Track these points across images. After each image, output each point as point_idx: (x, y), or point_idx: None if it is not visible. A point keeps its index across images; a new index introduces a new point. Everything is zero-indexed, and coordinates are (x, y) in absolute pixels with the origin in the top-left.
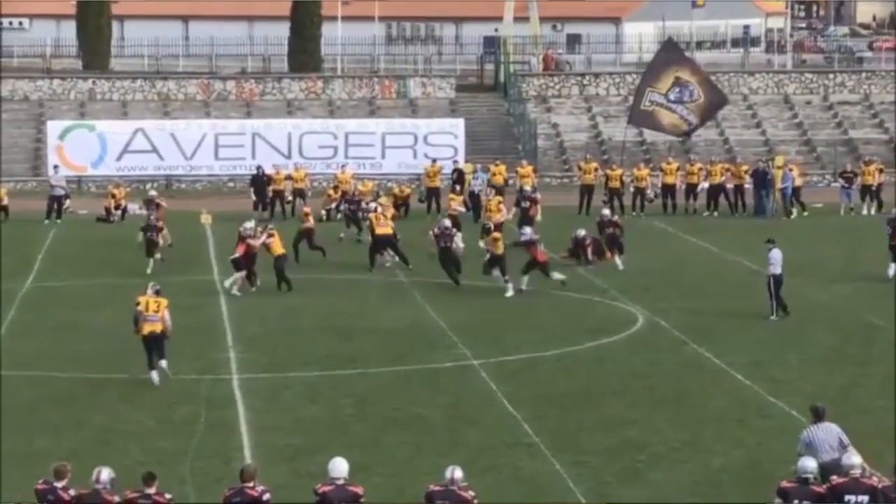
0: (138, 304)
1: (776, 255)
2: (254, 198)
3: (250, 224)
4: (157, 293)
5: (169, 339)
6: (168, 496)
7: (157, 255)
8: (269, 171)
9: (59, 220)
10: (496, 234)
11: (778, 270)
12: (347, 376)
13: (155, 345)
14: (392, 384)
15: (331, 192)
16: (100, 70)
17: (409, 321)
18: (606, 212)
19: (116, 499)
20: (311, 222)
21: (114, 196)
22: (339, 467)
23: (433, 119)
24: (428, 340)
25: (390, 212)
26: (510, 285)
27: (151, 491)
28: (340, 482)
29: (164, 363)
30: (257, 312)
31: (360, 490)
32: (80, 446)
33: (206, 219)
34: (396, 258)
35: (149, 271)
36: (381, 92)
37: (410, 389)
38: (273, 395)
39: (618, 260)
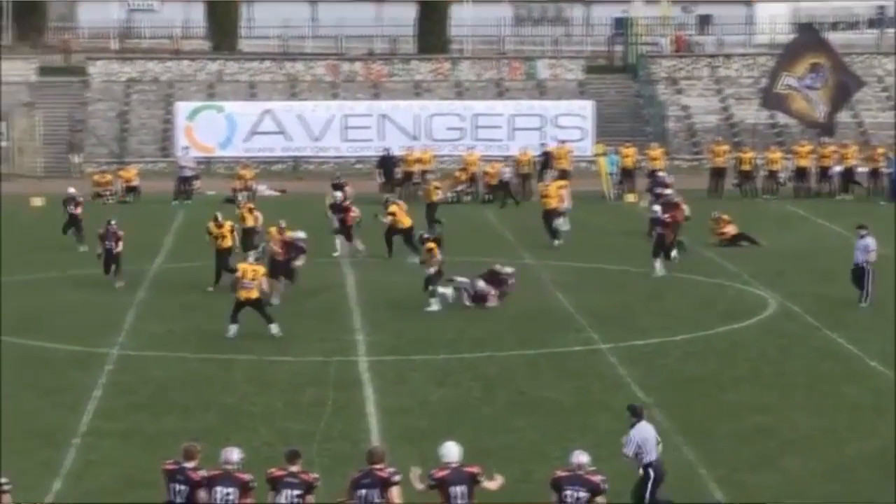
0: (237, 270)
1: (866, 242)
2: (381, 179)
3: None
4: (257, 261)
5: (269, 304)
6: (314, 475)
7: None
8: (396, 152)
9: (187, 202)
10: (430, 246)
11: (871, 258)
12: (475, 359)
13: (257, 310)
14: (519, 368)
15: (458, 174)
16: (228, 51)
17: (537, 304)
18: (657, 208)
19: (248, 477)
20: (439, 194)
21: (241, 177)
22: (451, 452)
23: (562, 101)
24: (556, 324)
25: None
26: (433, 300)
27: (296, 468)
28: (455, 464)
29: (273, 328)
30: (384, 294)
31: (476, 469)
32: (209, 427)
33: (330, 199)
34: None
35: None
36: (510, 73)
37: (538, 373)
38: (400, 377)
39: (657, 264)
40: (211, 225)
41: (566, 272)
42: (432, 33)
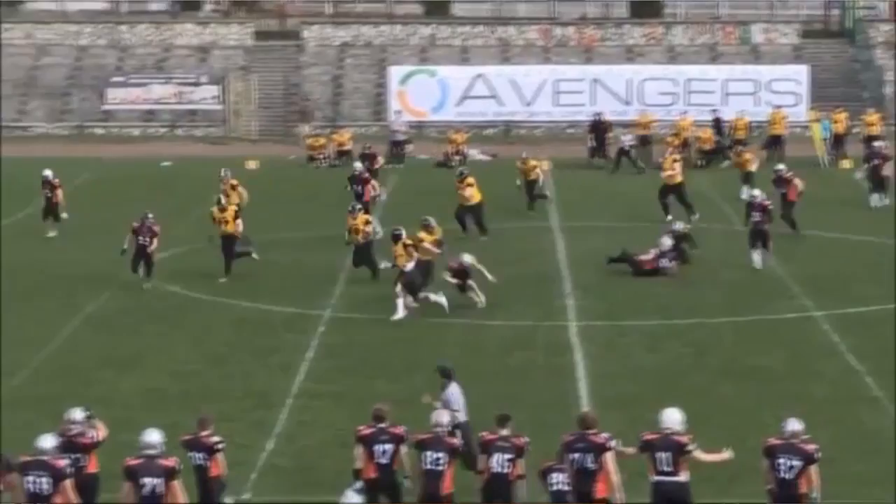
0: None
1: None
2: (592, 144)
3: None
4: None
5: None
6: (525, 439)
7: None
8: (608, 117)
9: (400, 165)
10: (407, 242)
11: None
12: (685, 326)
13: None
14: (731, 334)
15: (670, 139)
16: (441, 15)
17: (748, 271)
18: (756, 192)
19: (458, 442)
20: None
21: (453, 141)
22: (670, 418)
23: (776, 66)
24: (768, 291)
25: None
26: (401, 302)
27: (506, 432)
28: (667, 431)
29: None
30: (594, 260)
31: (684, 440)
32: (418, 390)
33: (546, 165)
34: None
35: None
36: (723, 38)
37: (749, 340)
38: (610, 342)
39: (755, 255)
40: (214, 210)
41: (778, 239)
42: None
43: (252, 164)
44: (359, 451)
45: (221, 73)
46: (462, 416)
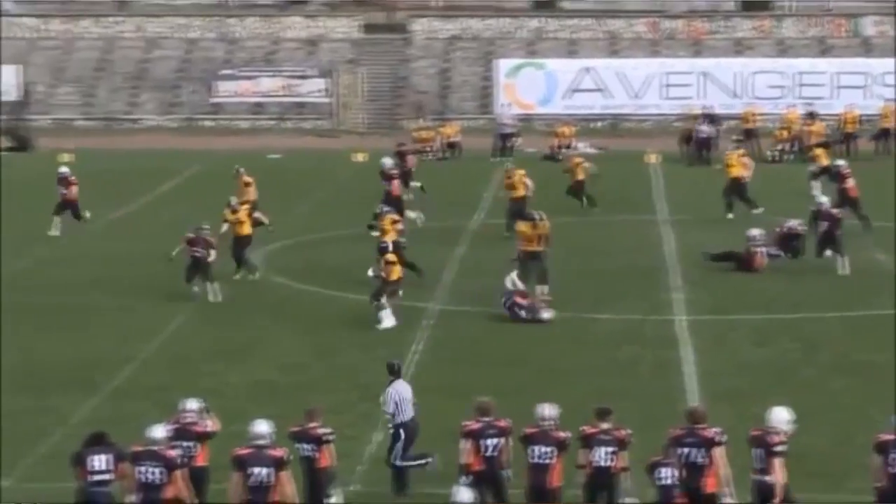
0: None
1: None
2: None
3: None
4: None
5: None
6: (626, 431)
7: None
8: (717, 110)
9: (507, 158)
10: (390, 258)
11: None
12: (793, 320)
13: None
14: (840, 330)
15: (779, 132)
16: (549, 8)
17: (859, 266)
18: (824, 199)
19: (564, 435)
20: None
21: (560, 135)
22: (779, 417)
23: (888, 59)
24: (875, 286)
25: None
26: (385, 313)
27: (607, 425)
28: (770, 428)
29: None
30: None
31: (775, 440)
32: (525, 383)
33: (655, 158)
34: None
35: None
36: (833, 31)
37: (858, 335)
38: (719, 337)
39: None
40: (226, 211)
41: (888, 233)
42: None
43: (360, 157)
44: (466, 445)
45: (329, 66)
46: (407, 415)
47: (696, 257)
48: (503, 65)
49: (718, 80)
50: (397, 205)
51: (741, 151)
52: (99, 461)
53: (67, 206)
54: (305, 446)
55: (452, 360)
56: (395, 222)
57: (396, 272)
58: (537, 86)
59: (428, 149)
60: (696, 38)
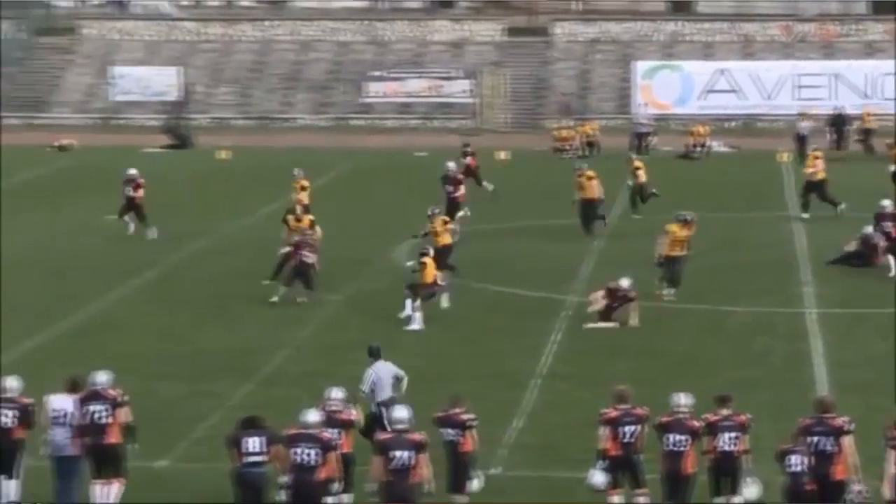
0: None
1: None
2: (832, 137)
3: None
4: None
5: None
6: (747, 416)
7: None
8: (849, 111)
9: (644, 156)
10: (426, 261)
11: None
12: None
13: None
14: None
15: None
16: (685, 12)
17: None
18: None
19: (697, 423)
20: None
21: (695, 134)
22: None
23: None
24: None
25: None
26: (417, 315)
27: (727, 412)
28: None
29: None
30: (831, 249)
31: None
32: (659, 373)
33: (786, 157)
34: None
35: None
36: None
37: None
38: (848, 330)
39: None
40: (290, 218)
41: None
42: None
43: (502, 155)
44: (604, 431)
45: (474, 67)
46: (385, 394)
47: (826, 253)
48: (640, 66)
49: (849, 82)
50: (455, 208)
51: (819, 153)
52: (253, 443)
53: (133, 208)
54: (450, 431)
55: (589, 350)
56: (445, 223)
57: (430, 275)
58: (673, 87)
59: (567, 147)
60: (828, 41)
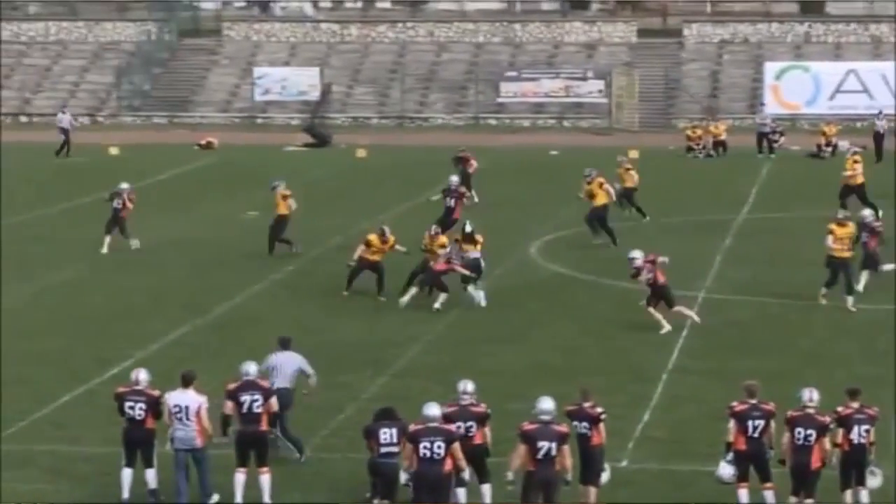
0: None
1: None
2: None
3: None
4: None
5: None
6: (875, 409)
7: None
8: None
9: (772, 155)
10: (442, 240)
11: None
12: None
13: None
14: None
15: None
16: (816, 13)
17: None
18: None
19: (825, 418)
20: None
21: (825, 134)
22: None
23: None
24: None
25: None
26: (441, 298)
27: (857, 404)
28: None
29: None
30: None
31: None
32: (786, 368)
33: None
34: None
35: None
36: None
37: None
38: None
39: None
40: (374, 238)
41: None
42: None
43: (633, 154)
44: (732, 425)
45: (606, 68)
46: (280, 384)
47: None
48: (771, 67)
49: None
50: (449, 222)
51: (858, 157)
52: (388, 434)
53: (117, 222)
54: (581, 424)
55: (717, 346)
56: (443, 246)
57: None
58: (803, 87)
59: (698, 146)
60: None
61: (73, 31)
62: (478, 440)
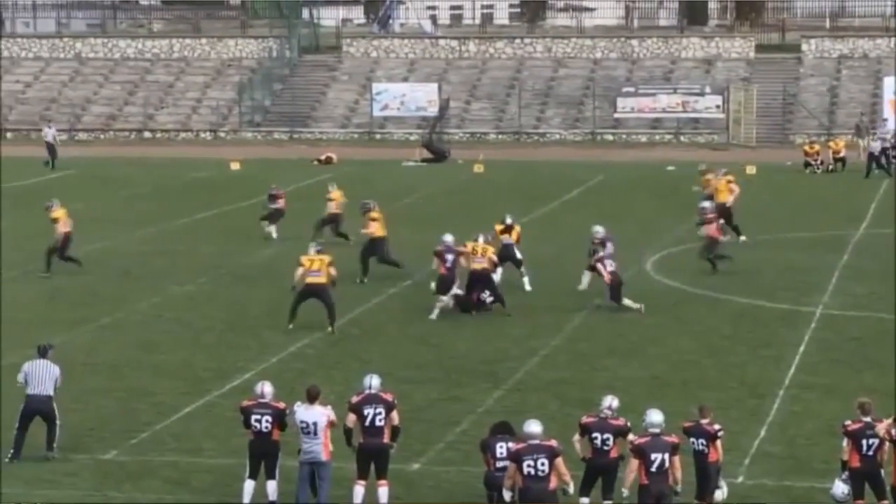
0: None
1: None
2: None
3: None
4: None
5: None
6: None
7: None
8: None
9: (882, 171)
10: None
11: None
12: None
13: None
14: None
15: None
16: None
17: None
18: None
19: None
20: None
21: None
22: None
23: None
24: None
25: None
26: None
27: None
28: None
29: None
30: None
31: None
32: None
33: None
34: None
35: None
36: None
37: None
38: None
39: None
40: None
41: None
42: None
43: (750, 170)
44: (846, 443)
45: (724, 83)
46: (42, 389)
47: None
48: (889, 83)
49: None
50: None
51: None
52: (504, 448)
53: (280, 217)
54: (698, 441)
55: (835, 361)
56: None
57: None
58: None
59: (816, 162)
60: None
61: (196, 48)
62: (613, 454)
